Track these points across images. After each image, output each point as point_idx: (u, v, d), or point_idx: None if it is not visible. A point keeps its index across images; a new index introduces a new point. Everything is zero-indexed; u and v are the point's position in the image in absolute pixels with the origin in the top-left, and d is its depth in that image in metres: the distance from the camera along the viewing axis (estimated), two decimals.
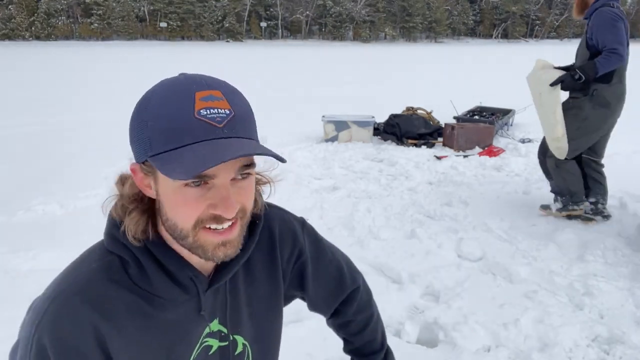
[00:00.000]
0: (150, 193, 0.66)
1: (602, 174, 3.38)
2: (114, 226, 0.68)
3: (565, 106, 3.19)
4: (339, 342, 1.12)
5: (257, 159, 0.73)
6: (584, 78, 3.02)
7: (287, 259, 0.87)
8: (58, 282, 0.67)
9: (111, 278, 0.66)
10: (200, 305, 0.73)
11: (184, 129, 0.58)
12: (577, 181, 3.32)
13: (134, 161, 0.65)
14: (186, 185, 0.60)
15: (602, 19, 3.01)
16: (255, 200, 0.74)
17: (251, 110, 0.66)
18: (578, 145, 3.21)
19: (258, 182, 0.76)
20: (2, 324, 2.15)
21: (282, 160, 0.63)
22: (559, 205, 3.42)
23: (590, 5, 3.13)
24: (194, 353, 0.75)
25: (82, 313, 0.63)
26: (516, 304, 2.36)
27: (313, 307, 0.99)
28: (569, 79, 3.08)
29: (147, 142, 0.60)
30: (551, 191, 3.53)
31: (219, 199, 0.61)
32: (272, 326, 0.89)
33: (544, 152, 3.46)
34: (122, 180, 0.70)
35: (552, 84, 3.10)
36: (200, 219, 0.62)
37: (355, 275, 1.01)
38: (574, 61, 3.32)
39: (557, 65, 3.32)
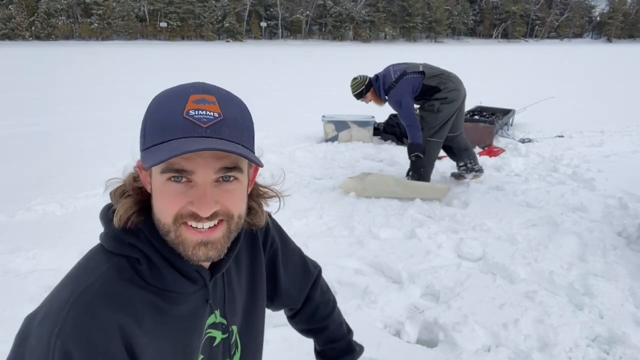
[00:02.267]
0: (149, 189, 0.70)
1: (462, 142, 4.22)
2: (117, 227, 0.69)
3: (423, 108, 4.04)
4: None
5: (264, 173, 0.80)
6: (419, 150, 3.96)
7: (262, 247, 0.93)
8: (68, 289, 0.64)
9: (124, 278, 0.66)
10: (208, 294, 0.76)
11: (171, 126, 0.63)
12: (428, 175, 4.19)
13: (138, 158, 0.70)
14: (169, 179, 0.64)
15: (393, 104, 4.00)
16: (257, 212, 0.81)
17: (247, 120, 0.69)
18: (442, 133, 4.01)
19: (263, 196, 0.83)
20: (2, 324, 2.16)
21: (259, 164, 0.67)
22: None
23: (380, 93, 4.04)
24: (201, 344, 0.78)
25: (106, 313, 0.62)
26: (516, 304, 2.36)
27: (283, 299, 1.01)
28: (413, 167, 4.08)
29: (142, 139, 0.66)
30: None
31: (196, 196, 0.64)
32: (259, 313, 0.93)
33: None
34: (128, 175, 0.74)
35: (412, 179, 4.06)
36: (179, 214, 0.65)
37: (312, 261, 1.08)
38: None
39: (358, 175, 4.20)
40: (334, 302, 1.12)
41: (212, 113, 0.64)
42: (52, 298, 0.65)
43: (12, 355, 0.63)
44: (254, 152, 0.69)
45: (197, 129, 0.62)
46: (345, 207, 3.75)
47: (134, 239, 0.68)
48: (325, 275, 2.88)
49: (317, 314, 1.08)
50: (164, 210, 0.66)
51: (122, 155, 5.17)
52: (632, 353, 2.01)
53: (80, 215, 3.56)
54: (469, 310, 2.29)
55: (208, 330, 0.79)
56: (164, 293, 0.69)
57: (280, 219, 0.97)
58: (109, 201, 0.73)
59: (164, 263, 0.69)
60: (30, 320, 0.64)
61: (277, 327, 2.06)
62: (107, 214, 0.71)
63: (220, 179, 0.66)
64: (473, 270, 2.73)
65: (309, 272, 1.05)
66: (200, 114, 0.63)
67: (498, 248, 2.97)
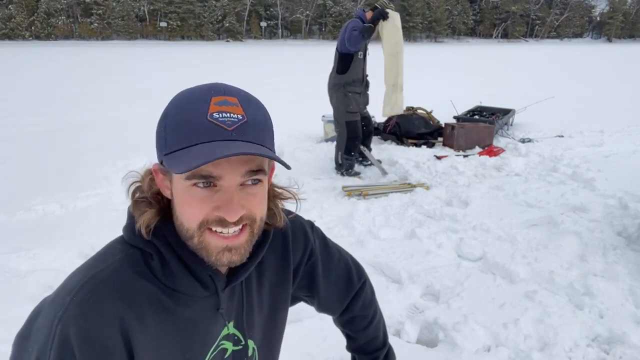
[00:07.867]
0: (168, 194, 0.69)
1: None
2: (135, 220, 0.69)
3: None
4: (339, 342, 1.12)
5: (282, 176, 0.78)
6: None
7: (299, 260, 0.88)
8: (80, 274, 0.65)
9: (135, 270, 0.66)
10: (219, 303, 0.74)
11: (195, 130, 0.61)
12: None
13: (156, 161, 0.68)
14: (194, 185, 0.62)
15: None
16: (275, 213, 0.78)
17: (267, 121, 0.68)
18: None
19: (279, 197, 0.80)
20: (2, 324, 2.16)
21: (286, 166, 0.65)
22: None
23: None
24: (209, 354, 0.75)
25: (108, 303, 0.63)
26: (516, 304, 2.36)
27: (322, 307, 0.99)
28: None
29: (164, 142, 0.64)
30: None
31: (223, 201, 0.63)
32: (278, 329, 0.90)
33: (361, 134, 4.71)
34: (146, 175, 0.72)
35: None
36: (205, 220, 0.64)
37: (360, 272, 1.03)
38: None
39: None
40: (374, 317, 1.05)
41: (235, 115, 0.62)
42: (66, 282, 0.66)
43: (22, 329, 0.67)
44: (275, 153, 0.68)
45: (223, 132, 0.61)
46: (345, 207, 3.75)
47: (151, 235, 0.67)
48: None
49: (352, 325, 1.04)
50: (189, 216, 0.64)
51: (122, 154, 5.19)
52: (632, 353, 2.01)
53: (80, 215, 3.56)
54: (469, 310, 2.30)
55: (221, 342, 0.76)
56: (173, 292, 0.68)
57: None
58: (122, 194, 0.73)
59: (177, 262, 0.67)
60: (45, 300, 0.67)
61: None
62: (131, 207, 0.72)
63: (247, 182, 0.64)
64: (473, 270, 2.73)
65: (352, 285, 1.00)
66: (225, 117, 0.62)
67: (498, 248, 2.97)
